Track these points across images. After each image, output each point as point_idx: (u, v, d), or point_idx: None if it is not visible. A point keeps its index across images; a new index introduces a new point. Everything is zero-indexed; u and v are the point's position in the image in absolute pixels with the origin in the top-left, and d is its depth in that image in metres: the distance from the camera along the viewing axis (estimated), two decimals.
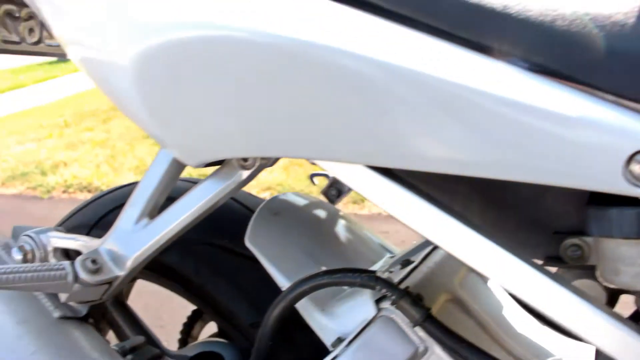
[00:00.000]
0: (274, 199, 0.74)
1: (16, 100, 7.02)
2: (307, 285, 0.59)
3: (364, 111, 0.41)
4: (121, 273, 0.56)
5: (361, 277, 0.56)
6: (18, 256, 0.61)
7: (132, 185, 0.86)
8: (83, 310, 0.63)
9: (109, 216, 0.78)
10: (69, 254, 0.63)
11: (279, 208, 0.73)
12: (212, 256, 0.72)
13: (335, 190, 0.77)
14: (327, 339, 0.61)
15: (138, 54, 0.48)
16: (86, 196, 3.09)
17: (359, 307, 0.59)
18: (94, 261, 0.55)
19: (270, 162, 0.55)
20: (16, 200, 3.39)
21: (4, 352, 0.56)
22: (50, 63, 11.10)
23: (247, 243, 0.67)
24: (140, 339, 0.71)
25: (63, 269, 0.53)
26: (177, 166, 0.56)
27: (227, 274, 0.71)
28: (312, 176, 0.83)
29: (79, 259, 0.55)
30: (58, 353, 0.57)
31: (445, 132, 0.38)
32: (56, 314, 0.61)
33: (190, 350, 0.81)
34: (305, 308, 0.63)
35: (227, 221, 0.75)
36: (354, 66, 0.40)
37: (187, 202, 0.56)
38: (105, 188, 3.02)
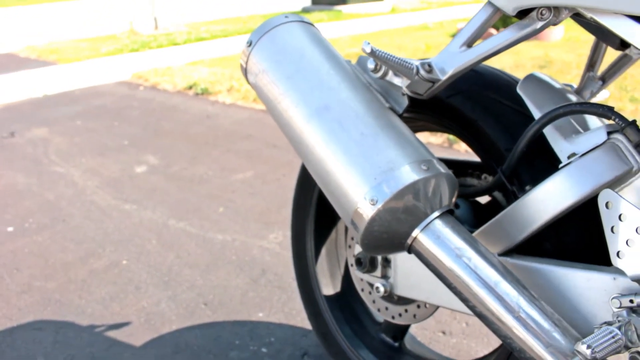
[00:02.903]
0: (532, 74, 1.02)
1: None
2: (556, 113, 0.86)
3: None
4: (442, 78, 0.90)
5: (601, 109, 0.81)
6: (371, 65, 0.98)
7: None
8: (400, 110, 0.99)
9: None
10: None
11: (537, 77, 1.01)
12: (485, 101, 1.03)
13: None
14: (563, 154, 0.87)
15: None
16: None
17: (594, 135, 0.85)
18: (429, 65, 0.90)
19: (558, 19, 0.82)
20: None
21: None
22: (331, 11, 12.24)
23: (519, 90, 0.96)
24: None
25: (411, 64, 0.89)
26: (496, 14, 0.87)
27: (494, 114, 1.01)
28: None
29: (419, 63, 0.90)
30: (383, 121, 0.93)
31: None
32: (386, 104, 0.98)
33: None
34: (551, 134, 0.90)
35: (500, 84, 1.05)
36: None
37: (493, 41, 0.86)
38: None
